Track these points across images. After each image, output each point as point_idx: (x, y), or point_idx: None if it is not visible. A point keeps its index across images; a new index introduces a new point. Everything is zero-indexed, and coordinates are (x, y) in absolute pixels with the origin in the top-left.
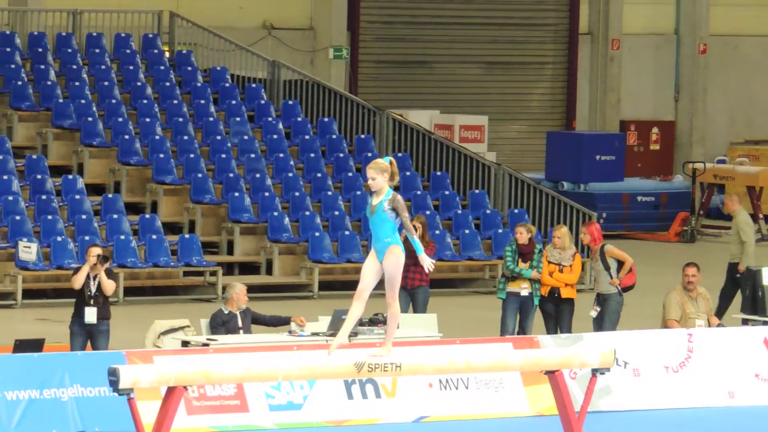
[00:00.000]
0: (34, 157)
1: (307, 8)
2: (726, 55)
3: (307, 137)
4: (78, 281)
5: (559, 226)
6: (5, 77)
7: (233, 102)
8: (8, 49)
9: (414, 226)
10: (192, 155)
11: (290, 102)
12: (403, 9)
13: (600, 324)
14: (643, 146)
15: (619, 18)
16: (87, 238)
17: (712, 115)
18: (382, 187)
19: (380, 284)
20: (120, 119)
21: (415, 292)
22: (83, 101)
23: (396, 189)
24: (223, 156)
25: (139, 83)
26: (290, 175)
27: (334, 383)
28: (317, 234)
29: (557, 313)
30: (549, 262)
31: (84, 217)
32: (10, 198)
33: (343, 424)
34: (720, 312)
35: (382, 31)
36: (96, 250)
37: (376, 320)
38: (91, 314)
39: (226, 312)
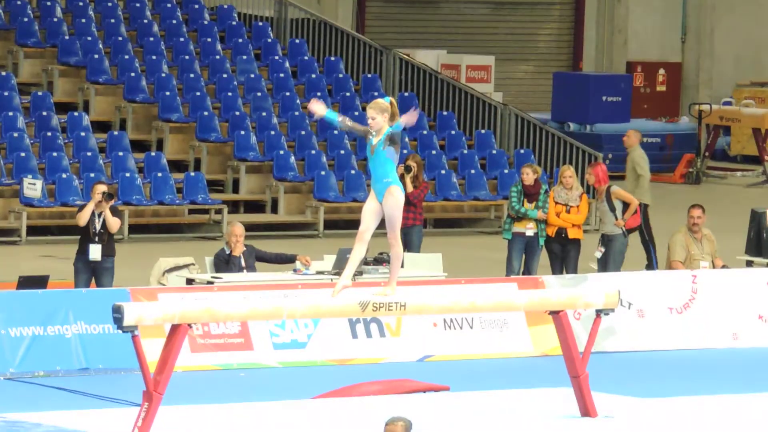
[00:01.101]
0: (40, 93)
1: None
2: None
3: (313, 76)
4: (83, 218)
5: (566, 166)
6: (11, 13)
7: (240, 40)
8: None
9: (409, 166)
10: (198, 93)
11: (297, 41)
12: None
13: (604, 265)
14: (649, 87)
15: None
16: (92, 175)
17: (719, 56)
18: (382, 126)
19: (381, 224)
20: (126, 57)
21: (409, 231)
22: (89, 38)
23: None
24: (230, 94)
25: (145, 21)
26: (296, 113)
27: (338, 322)
28: (323, 173)
29: (564, 254)
30: (556, 203)
31: (89, 154)
32: (15, 135)
33: (347, 362)
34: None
35: None
36: (101, 188)
37: (381, 259)
38: (95, 251)
39: (227, 252)
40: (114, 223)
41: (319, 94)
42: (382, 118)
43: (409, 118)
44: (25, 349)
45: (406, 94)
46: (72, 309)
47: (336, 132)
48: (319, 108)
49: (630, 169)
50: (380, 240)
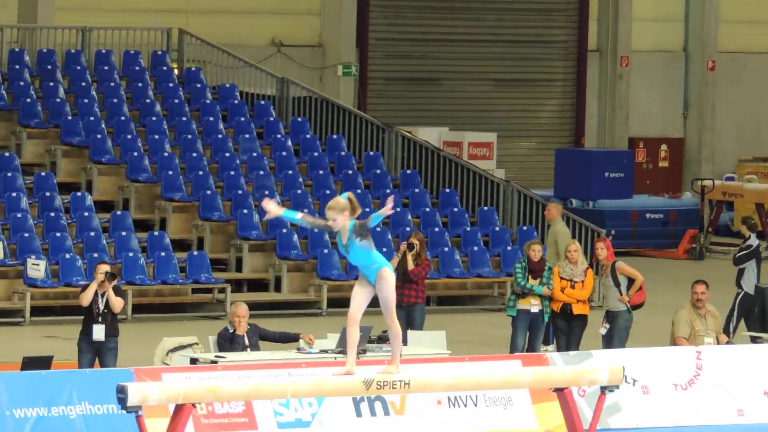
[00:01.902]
0: (43, 174)
1: (316, 25)
2: (734, 73)
3: (315, 154)
4: (86, 299)
5: (572, 240)
6: (14, 94)
7: (242, 119)
8: (17, 66)
9: (411, 243)
10: (201, 172)
11: (299, 119)
12: (412, 26)
13: (609, 341)
14: (651, 163)
15: (628, 35)
16: (95, 255)
17: (721, 132)
18: (345, 224)
19: (374, 302)
20: (129, 136)
21: (412, 309)
22: (92, 118)
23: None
24: (232, 173)
25: (147, 100)
26: (299, 192)
27: (342, 401)
28: (326, 251)
29: (569, 329)
30: (561, 278)
31: (92, 234)
32: (19, 215)
33: None
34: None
35: (391, 48)
36: (104, 268)
37: (384, 337)
38: (99, 331)
39: (231, 331)
40: (117, 303)
41: (266, 192)
42: (342, 217)
43: (385, 210)
44: (29, 430)
45: (409, 171)
46: (76, 389)
47: None
48: (272, 208)
49: (551, 242)
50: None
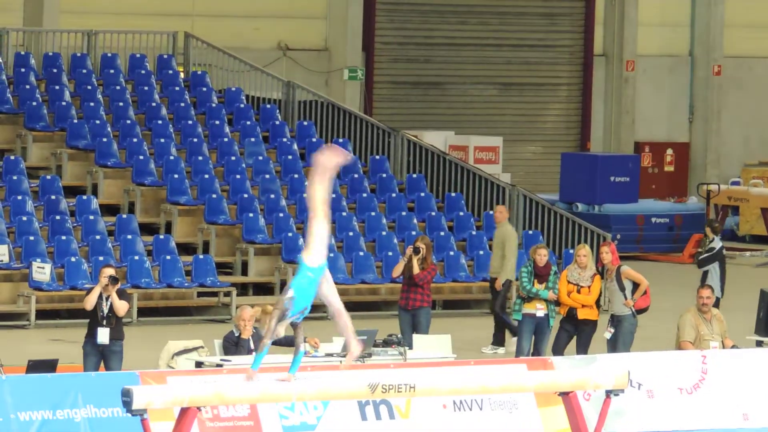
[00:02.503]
0: (49, 177)
1: (322, 29)
2: (740, 77)
3: None
4: (89, 302)
5: (582, 245)
6: (20, 98)
7: (248, 123)
8: (23, 70)
9: (417, 247)
10: (206, 176)
11: (305, 123)
12: (417, 30)
13: (614, 345)
14: (657, 167)
15: (634, 39)
16: (101, 258)
17: (727, 136)
18: (271, 328)
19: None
20: (135, 140)
21: (417, 313)
22: (98, 122)
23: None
24: (238, 177)
25: (153, 104)
26: (305, 196)
27: (347, 404)
28: (331, 255)
29: (578, 334)
30: (568, 282)
31: (98, 237)
32: (25, 218)
33: None
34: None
35: (396, 52)
36: (108, 271)
37: (390, 341)
38: (103, 335)
39: (236, 334)
40: (121, 307)
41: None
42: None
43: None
44: None
45: (415, 175)
46: (81, 392)
47: (344, 214)
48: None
49: (498, 244)
50: (389, 321)
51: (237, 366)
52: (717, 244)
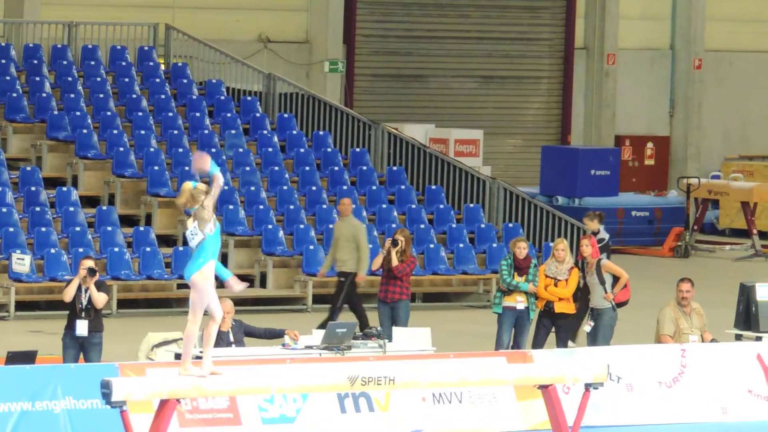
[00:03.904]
0: (29, 168)
1: (303, 22)
2: (721, 71)
3: (302, 150)
4: (68, 294)
5: (560, 239)
6: (0, 89)
7: (228, 115)
8: (3, 61)
9: (396, 240)
10: (187, 168)
11: (285, 115)
12: (398, 23)
13: (594, 339)
14: (637, 161)
15: (615, 33)
16: (81, 250)
17: (707, 130)
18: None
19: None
20: (115, 131)
21: (396, 306)
22: (78, 113)
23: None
24: (218, 169)
25: (134, 95)
26: (285, 188)
27: (327, 397)
28: (311, 247)
29: (556, 329)
30: (546, 276)
31: (78, 229)
32: (4, 210)
33: None
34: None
35: (377, 45)
36: (87, 263)
37: (369, 334)
38: (82, 327)
39: None
40: (99, 299)
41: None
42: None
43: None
44: (13, 425)
45: (395, 168)
46: (61, 384)
47: (324, 206)
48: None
49: (348, 237)
50: (369, 314)
51: (216, 358)
52: (605, 235)
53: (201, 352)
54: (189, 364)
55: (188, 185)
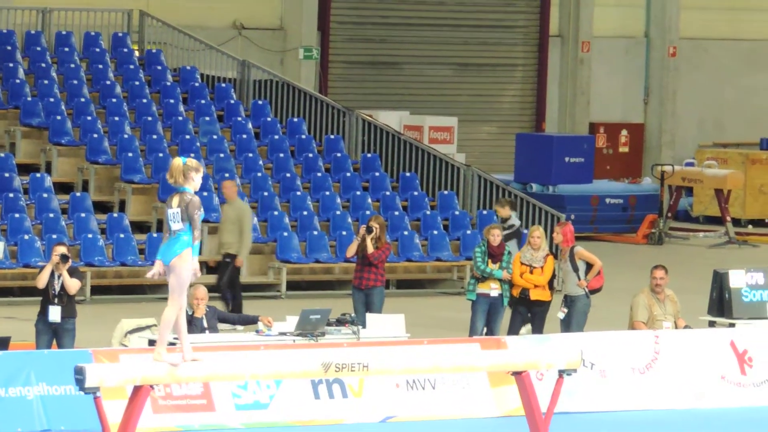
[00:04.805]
0: (2, 155)
1: (278, 8)
2: (696, 59)
3: (276, 137)
4: (41, 281)
5: (536, 226)
6: None
7: (203, 101)
8: None
9: (371, 227)
10: (161, 154)
11: (260, 102)
12: (373, 10)
13: (567, 325)
14: (612, 148)
15: (590, 20)
16: (54, 236)
17: (681, 118)
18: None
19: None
20: (89, 118)
21: (371, 292)
22: (52, 99)
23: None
24: (192, 155)
25: (108, 82)
26: (259, 174)
27: (300, 383)
28: (285, 234)
29: (531, 315)
30: (521, 263)
31: (51, 215)
32: None
33: (310, 423)
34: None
35: (352, 32)
36: (59, 249)
37: (343, 320)
38: (55, 313)
39: (189, 313)
40: (73, 285)
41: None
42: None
43: None
44: None
45: (369, 155)
46: (34, 370)
47: (299, 193)
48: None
49: (233, 220)
50: (343, 300)
51: (191, 344)
52: (516, 221)
53: (175, 338)
54: (163, 349)
55: (178, 161)
